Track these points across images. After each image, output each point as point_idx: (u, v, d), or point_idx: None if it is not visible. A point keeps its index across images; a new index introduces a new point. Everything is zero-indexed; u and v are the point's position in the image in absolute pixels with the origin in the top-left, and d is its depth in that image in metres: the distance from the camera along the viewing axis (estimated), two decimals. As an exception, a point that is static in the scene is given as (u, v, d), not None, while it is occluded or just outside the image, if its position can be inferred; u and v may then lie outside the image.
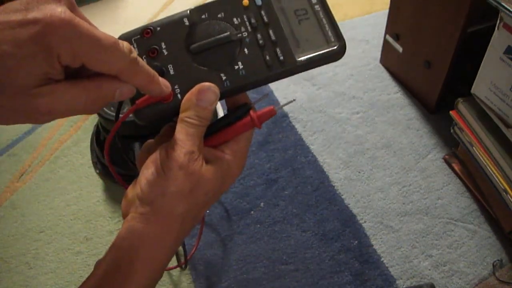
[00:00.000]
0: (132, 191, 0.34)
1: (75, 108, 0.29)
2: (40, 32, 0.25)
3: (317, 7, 0.38)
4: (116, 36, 0.36)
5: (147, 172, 0.33)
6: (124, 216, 0.34)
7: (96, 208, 0.82)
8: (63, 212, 0.82)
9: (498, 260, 0.69)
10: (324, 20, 0.38)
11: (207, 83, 0.34)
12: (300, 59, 0.36)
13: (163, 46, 0.37)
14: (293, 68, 0.36)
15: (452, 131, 0.79)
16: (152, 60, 0.37)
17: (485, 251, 0.71)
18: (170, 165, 0.32)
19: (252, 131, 0.36)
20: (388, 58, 1.01)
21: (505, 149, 0.67)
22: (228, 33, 0.37)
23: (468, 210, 0.76)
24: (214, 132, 0.35)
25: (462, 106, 0.74)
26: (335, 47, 0.37)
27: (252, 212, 0.79)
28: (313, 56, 0.36)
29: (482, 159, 0.71)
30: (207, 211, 0.79)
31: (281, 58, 0.36)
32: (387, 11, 0.94)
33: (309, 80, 1.02)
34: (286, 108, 0.96)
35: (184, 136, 0.32)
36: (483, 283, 0.68)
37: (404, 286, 0.68)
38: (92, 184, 0.86)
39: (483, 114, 0.70)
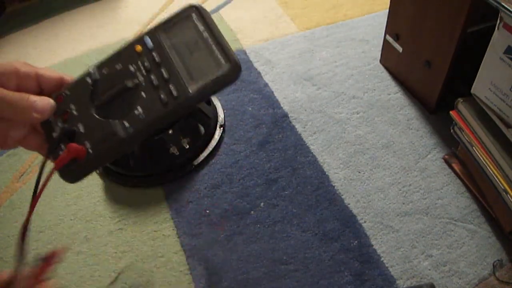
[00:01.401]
0: None
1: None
2: None
3: (205, 34, 0.38)
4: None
5: None
6: None
7: (96, 208, 0.82)
8: (63, 212, 0.82)
9: (498, 260, 0.69)
10: (213, 46, 0.38)
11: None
12: (193, 90, 0.36)
13: (73, 108, 0.39)
14: (188, 101, 0.36)
15: (452, 131, 0.78)
16: (64, 122, 0.39)
17: (485, 251, 0.71)
18: None
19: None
20: (388, 58, 1.01)
21: (505, 149, 0.67)
22: (124, 82, 0.38)
23: (468, 210, 0.76)
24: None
25: (462, 106, 0.74)
26: (226, 70, 0.36)
27: (252, 212, 0.79)
28: (205, 84, 0.36)
29: (482, 159, 0.71)
30: (207, 211, 0.79)
31: (175, 93, 0.36)
32: (387, 11, 0.94)
33: (309, 80, 1.02)
34: (286, 108, 0.96)
35: None
36: (483, 283, 0.68)
37: (404, 286, 0.68)
38: (92, 184, 0.86)
39: (483, 114, 0.69)
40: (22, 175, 0.89)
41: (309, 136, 0.90)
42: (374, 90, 0.98)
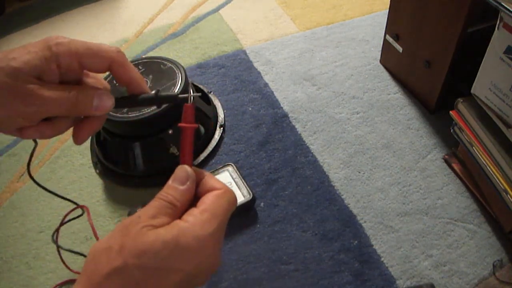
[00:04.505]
0: None
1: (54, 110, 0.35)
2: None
3: (237, 179, 0.78)
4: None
5: None
6: None
7: (96, 208, 0.82)
8: (63, 212, 0.82)
9: (498, 260, 0.69)
10: (241, 185, 0.77)
11: (183, 169, 0.38)
12: None
13: None
14: None
15: (452, 131, 0.79)
16: None
17: (485, 251, 0.71)
18: (117, 227, 0.33)
19: (219, 193, 0.36)
20: (388, 58, 1.01)
21: (505, 149, 0.67)
22: None
23: (468, 210, 0.76)
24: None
25: (462, 106, 0.74)
26: (249, 199, 0.75)
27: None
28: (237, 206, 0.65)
29: (482, 159, 0.71)
30: None
31: None
32: (387, 11, 0.94)
33: (309, 80, 1.02)
34: (286, 108, 0.96)
35: (146, 207, 0.34)
36: (483, 283, 0.68)
37: (404, 286, 0.68)
38: (92, 184, 0.86)
39: (483, 114, 0.69)
40: (22, 175, 0.89)
41: (309, 136, 0.90)
42: (374, 90, 0.98)
